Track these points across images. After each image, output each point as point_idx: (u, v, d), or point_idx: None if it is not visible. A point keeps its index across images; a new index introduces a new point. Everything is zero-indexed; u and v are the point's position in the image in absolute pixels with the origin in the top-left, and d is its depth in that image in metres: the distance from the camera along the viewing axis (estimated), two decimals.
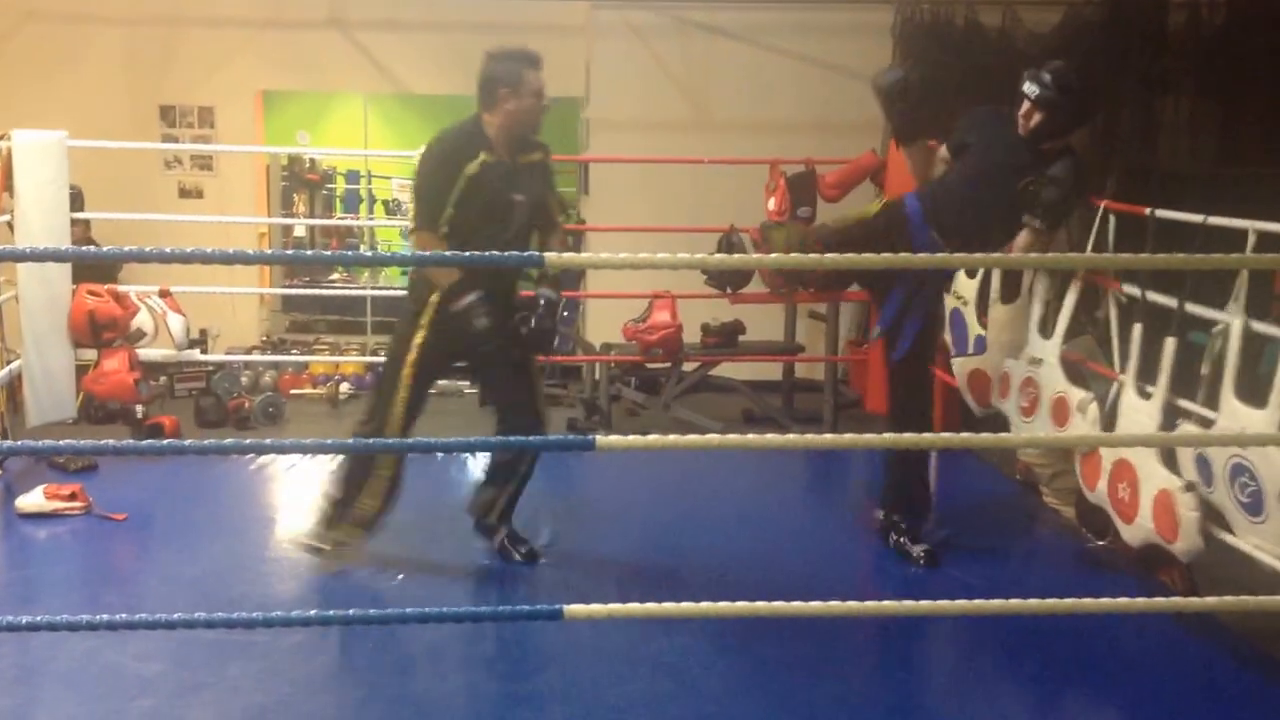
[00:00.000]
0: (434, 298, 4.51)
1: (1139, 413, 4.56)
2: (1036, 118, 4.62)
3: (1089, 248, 5.16)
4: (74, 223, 6.41)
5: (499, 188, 4.46)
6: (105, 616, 2.87)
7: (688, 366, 7.46)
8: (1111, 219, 5.08)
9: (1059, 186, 4.63)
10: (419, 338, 4.55)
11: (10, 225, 5.87)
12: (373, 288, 10.33)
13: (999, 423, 5.72)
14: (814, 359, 7.95)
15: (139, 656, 3.88)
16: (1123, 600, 3.45)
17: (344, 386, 8.20)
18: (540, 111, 4.54)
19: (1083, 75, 4.74)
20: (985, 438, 4.38)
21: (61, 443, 3.18)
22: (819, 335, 8.01)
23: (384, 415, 4.58)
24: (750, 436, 3.45)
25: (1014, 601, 3.29)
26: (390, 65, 8.71)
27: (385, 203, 11.98)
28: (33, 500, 5.17)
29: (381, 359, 7.29)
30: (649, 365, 7.44)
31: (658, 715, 3.69)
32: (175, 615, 2.80)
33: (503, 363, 4.63)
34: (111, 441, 3.13)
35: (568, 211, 4.77)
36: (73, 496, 5.20)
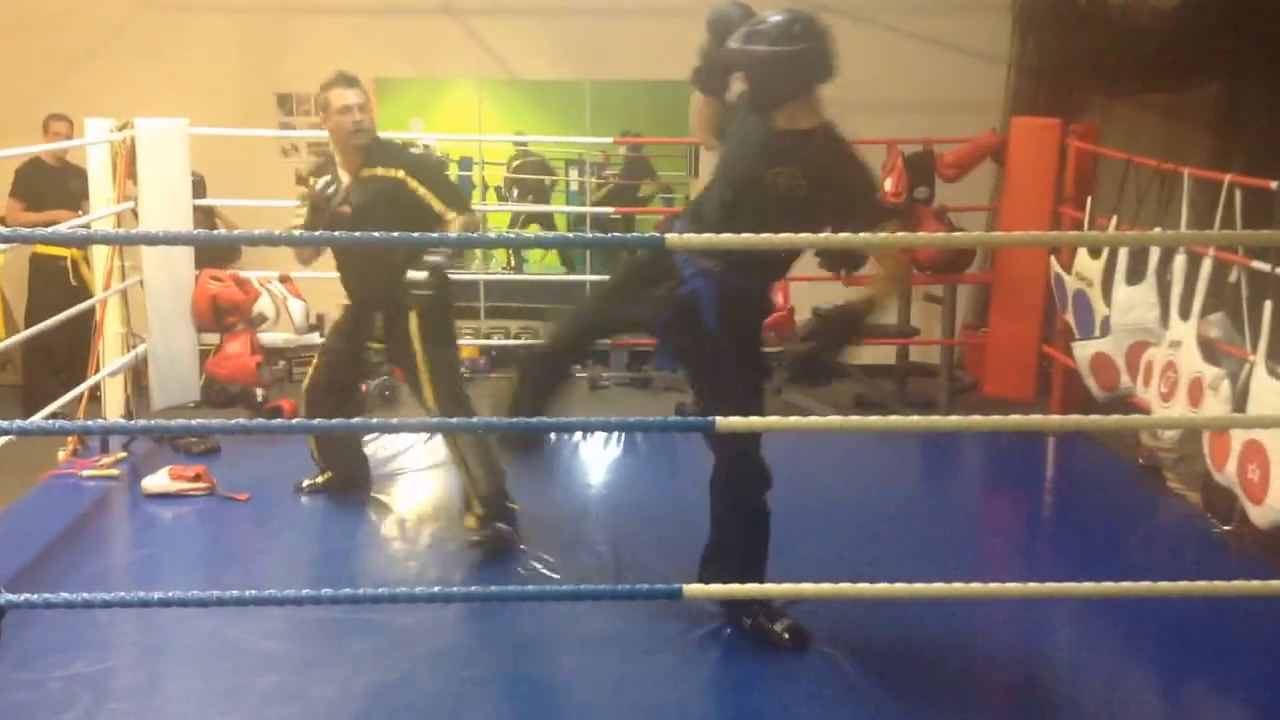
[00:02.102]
0: None
1: (1270, 392, 4.43)
2: (742, 85, 3.80)
3: (1216, 224, 5.01)
4: (197, 209, 6.54)
5: (324, 205, 4.76)
6: (234, 593, 2.92)
7: None
8: (1238, 194, 4.93)
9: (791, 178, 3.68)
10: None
11: (135, 212, 6.02)
12: (486, 272, 10.40)
13: (1122, 408, 5.58)
14: (929, 342, 7.81)
15: (261, 634, 3.96)
16: (1253, 583, 3.35)
17: None
18: (349, 127, 4.74)
19: (797, 18, 3.71)
20: (1110, 420, 4.24)
21: (193, 422, 3.24)
22: (935, 318, 7.87)
23: None
24: (868, 418, 3.39)
25: (1139, 584, 3.21)
26: (502, 51, 8.74)
27: (497, 188, 12.04)
28: (158, 481, 5.29)
29: (497, 342, 7.42)
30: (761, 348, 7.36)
31: (772, 694, 3.68)
32: (302, 592, 2.83)
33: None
34: (241, 420, 3.19)
35: (459, 206, 4.79)
36: (197, 478, 5.31)
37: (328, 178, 4.80)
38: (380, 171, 4.78)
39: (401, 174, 4.75)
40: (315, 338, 7.29)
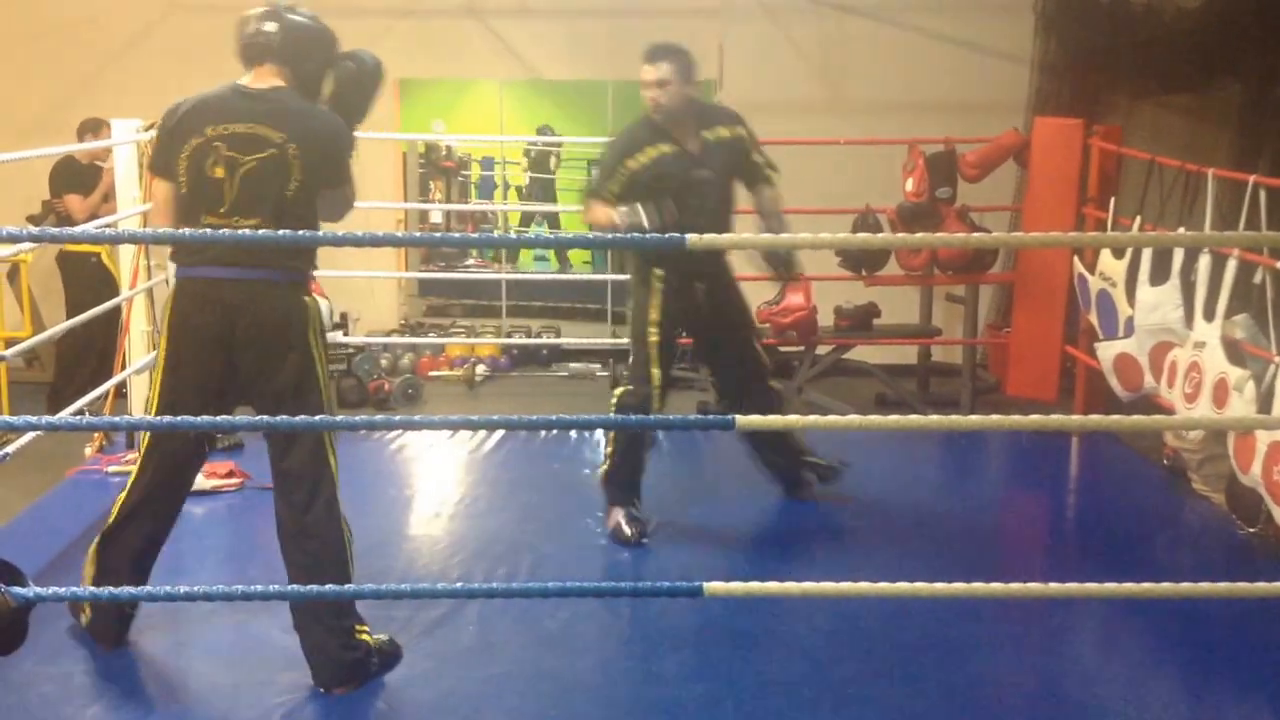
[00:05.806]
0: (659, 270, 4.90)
1: None
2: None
3: (1241, 224, 4.99)
4: None
5: (675, 172, 4.75)
6: (259, 587, 2.94)
7: (821, 350, 7.39)
8: (1263, 194, 4.92)
9: None
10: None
11: None
12: (507, 271, 10.46)
13: (1145, 409, 5.56)
14: (951, 342, 7.81)
15: (286, 629, 3.96)
16: (1278, 585, 3.34)
17: (480, 368, 8.32)
18: (648, 103, 4.88)
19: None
20: (1133, 420, 4.22)
21: (218, 418, 3.27)
22: (956, 318, 7.88)
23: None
24: (889, 417, 3.40)
25: (1163, 585, 3.20)
26: (525, 52, 8.77)
27: (519, 188, 12.08)
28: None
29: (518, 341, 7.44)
30: (782, 348, 7.38)
31: (793, 697, 3.68)
32: (325, 587, 2.85)
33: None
34: (265, 417, 3.22)
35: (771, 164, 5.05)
36: (230, 474, 5.36)
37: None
38: (724, 132, 4.88)
39: (742, 131, 4.91)
40: (338, 336, 7.34)
